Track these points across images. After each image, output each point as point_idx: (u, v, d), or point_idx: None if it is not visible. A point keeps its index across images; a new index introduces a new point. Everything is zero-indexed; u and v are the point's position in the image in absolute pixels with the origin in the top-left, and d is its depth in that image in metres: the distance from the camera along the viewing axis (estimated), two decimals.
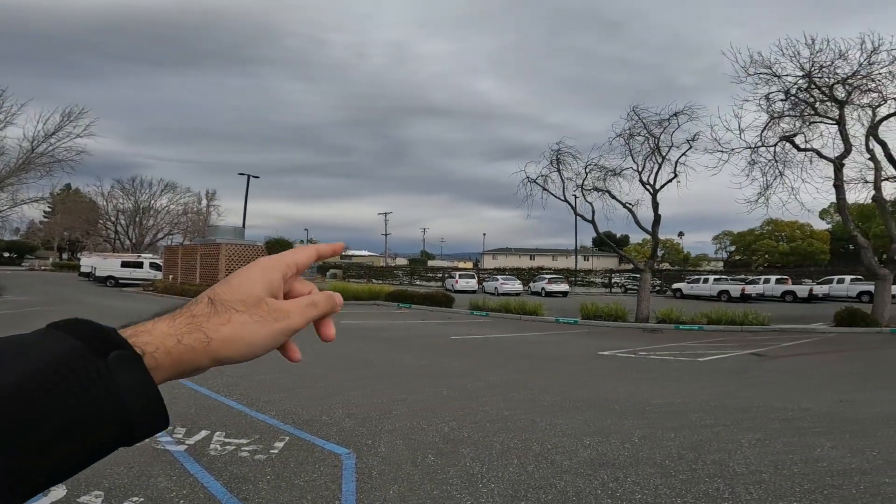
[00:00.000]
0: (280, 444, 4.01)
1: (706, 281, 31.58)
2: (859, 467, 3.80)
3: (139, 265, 32.50)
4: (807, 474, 3.68)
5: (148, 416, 0.34)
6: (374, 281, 45.36)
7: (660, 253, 18.33)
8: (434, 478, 3.46)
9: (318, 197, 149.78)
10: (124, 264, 32.36)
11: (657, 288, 32.10)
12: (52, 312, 13.90)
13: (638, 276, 20.96)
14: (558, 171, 17.33)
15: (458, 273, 39.36)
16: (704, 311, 15.85)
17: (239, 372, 6.72)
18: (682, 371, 8.12)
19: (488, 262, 70.37)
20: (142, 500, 3.04)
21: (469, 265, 73.17)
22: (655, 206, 16.34)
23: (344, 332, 12.21)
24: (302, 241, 76.60)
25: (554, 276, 36.27)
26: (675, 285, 33.51)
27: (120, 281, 31.19)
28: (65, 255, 62.36)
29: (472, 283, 35.50)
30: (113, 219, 50.44)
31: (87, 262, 35.38)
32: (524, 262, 61.55)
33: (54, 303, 17.18)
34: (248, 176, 36.82)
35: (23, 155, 21.97)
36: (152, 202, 50.25)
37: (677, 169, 15.76)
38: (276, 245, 27.26)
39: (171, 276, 28.69)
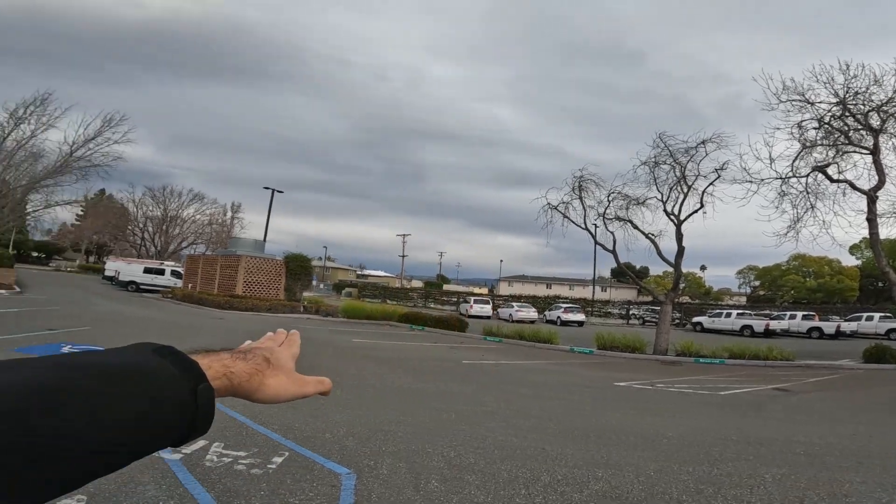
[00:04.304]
0: (279, 460, 3.87)
1: (728, 315, 30.66)
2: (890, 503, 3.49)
3: (161, 272, 33.16)
4: None
5: (202, 431, 0.47)
6: (388, 301, 45.32)
7: (681, 286, 17.90)
8: None
9: (336, 215, 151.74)
10: (147, 270, 33.09)
11: (677, 321, 31.23)
12: (56, 313, 14.13)
13: (657, 308, 20.44)
14: (580, 198, 17.19)
15: (472, 298, 39.05)
16: (726, 345, 15.29)
17: None
18: (701, 404, 7.75)
19: (504, 289, 69.83)
20: None
21: (484, 291, 72.70)
22: (679, 237, 16.00)
23: (354, 351, 12.08)
24: (320, 258, 77.37)
25: (570, 305, 35.65)
26: (696, 319, 32.59)
27: (141, 286, 31.82)
28: (91, 258, 64.11)
29: (487, 309, 35.15)
30: (141, 225, 51.79)
31: (112, 265, 36.19)
32: (540, 291, 60.86)
33: (66, 303, 17.52)
34: (273, 190, 37.45)
35: (61, 158, 22.73)
36: (180, 211, 51.53)
37: (704, 199, 15.46)
38: (295, 260, 27.41)
39: (190, 285, 29.11)
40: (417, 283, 77.16)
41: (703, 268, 67.30)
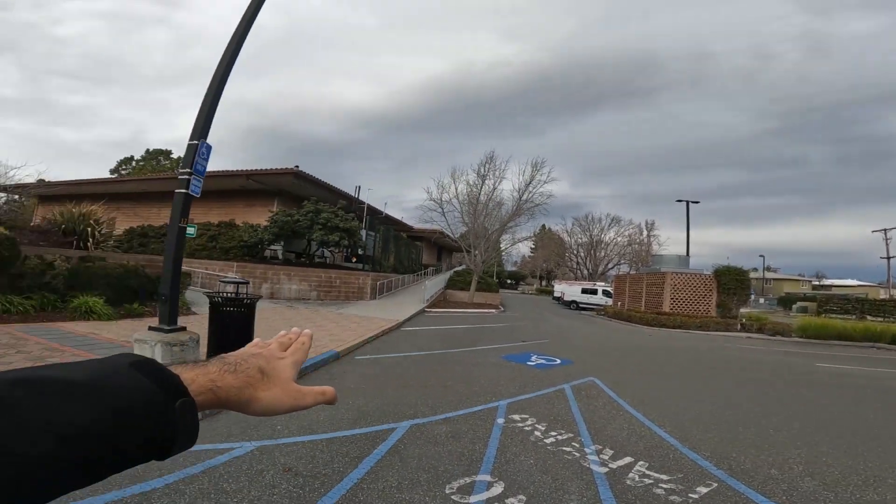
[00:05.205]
0: (704, 490, 3.53)
1: None
2: None
3: (594, 292, 37.10)
4: None
5: (185, 447, 0.47)
6: (868, 318, 33.33)
7: None
8: None
9: (770, 218, 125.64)
10: (584, 291, 37.79)
11: None
12: (526, 328, 17.99)
13: None
14: None
15: None
16: None
17: (678, 403, 6.52)
18: None
19: None
20: None
21: None
22: None
23: (819, 377, 9.60)
24: (755, 269, 66.00)
25: None
26: None
27: (580, 305, 36.76)
28: (544, 282, 79.81)
29: None
30: (574, 252, 60.59)
31: (558, 288, 43.66)
32: None
33: (531, 319, 22.18)
34: (687, 202, 35.55)
35: (514, 203, 30.04)
36: (602, 235, 57.05)
37: None
38: (727, 274, 24.63)
39: (619, 303, 31.20)
40: None
41: None
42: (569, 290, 39.30)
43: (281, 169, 20.52)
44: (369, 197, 27.95)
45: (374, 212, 28.74)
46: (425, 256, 45.15)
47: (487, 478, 3.57)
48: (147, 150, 60.20)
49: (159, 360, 5.19)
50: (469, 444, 4.32)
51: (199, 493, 3.04)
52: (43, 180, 20.64)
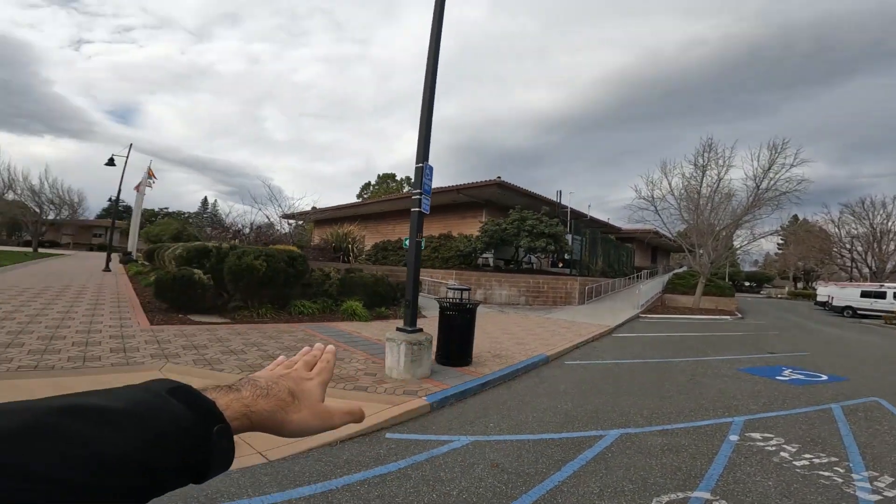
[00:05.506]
0: None
1: None
2: None
3: (881, 295, 28.58)
4: None
5: (220, 471, 0.48)
6: None
7: None
8: None
9: None
10: (864, 294, 29.53)
11: None
12: (775, 337, 14.90)
13: None
14: None
15: None
16: None
17: None
18: None
19: None
20: None
21: None
22: None
23: None
24: None
25: None
26: None
27: (858, 311, 28.66)
28: (799, 285, 64.42)
29: None
30: (847, 246, 47.13)
31: (823, 291, 34.83)
32: None
33: (782, 328, 18.23)
34: None
35: (750, 193, 25.23)
36: (890, 224, 42.84)
37: None
38: None
39: None
40: None
41: None
42: (840, 293, 31.04)
43: (485, 181, 22.07)
44: (571, 201, 27.55)
45: (577, 215, 28.19)
46: (637, 258, 41.86)
47: (706, 495, 3.27)
48: (378, 175, 72.39)
49: (402, 357, 6.17)
50: (688, 458, 3.99)
51: (422, 479, 3.36)
52: (315, 207, 26.93)
